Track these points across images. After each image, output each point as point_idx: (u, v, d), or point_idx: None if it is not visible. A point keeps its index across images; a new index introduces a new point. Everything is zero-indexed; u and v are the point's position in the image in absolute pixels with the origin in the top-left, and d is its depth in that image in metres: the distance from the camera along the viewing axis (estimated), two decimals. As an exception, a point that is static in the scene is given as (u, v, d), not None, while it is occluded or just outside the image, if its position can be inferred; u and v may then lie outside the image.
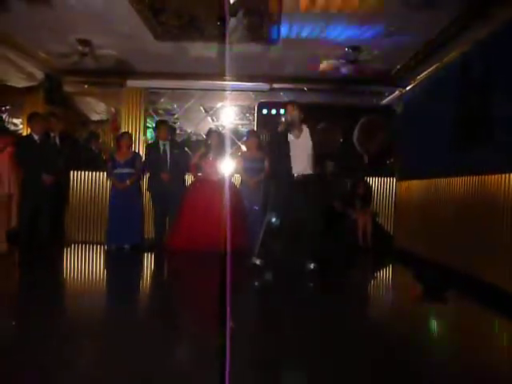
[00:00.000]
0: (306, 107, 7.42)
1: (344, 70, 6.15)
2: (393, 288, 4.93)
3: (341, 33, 5.07)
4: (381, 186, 7.05)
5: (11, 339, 2.65)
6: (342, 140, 7.80)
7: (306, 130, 4.74)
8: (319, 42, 5.31)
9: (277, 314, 3.35)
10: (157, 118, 8.66)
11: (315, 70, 6.32)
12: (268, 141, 6.23)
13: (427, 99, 5.84)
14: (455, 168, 4.79)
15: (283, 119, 4.62)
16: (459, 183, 4.73)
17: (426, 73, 5.83)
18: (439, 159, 5.26)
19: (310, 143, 4.71)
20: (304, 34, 5.12)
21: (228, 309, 2.91)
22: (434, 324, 3.49)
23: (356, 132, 7.28)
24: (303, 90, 7.04)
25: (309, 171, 4.71)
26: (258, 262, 4.63)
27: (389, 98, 7.06)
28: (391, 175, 7.04)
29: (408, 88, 6.53)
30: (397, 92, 6.82)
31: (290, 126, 4.60)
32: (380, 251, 6.31)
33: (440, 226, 5.11)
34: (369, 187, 6.83)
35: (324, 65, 6.15)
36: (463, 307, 3.89)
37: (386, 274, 5.72)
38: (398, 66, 6.17)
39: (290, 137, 4.67)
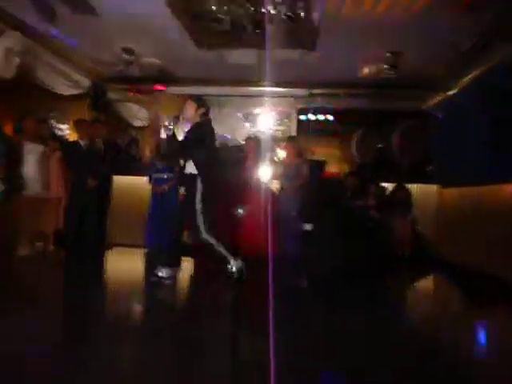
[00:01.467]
0: (345, 113, 7.44)
1: (384, 74, 6.06)
2: (434, 298, 4.78)
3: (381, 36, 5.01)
4: (421, 193, 6.87)
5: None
6: (380, 146, 7.70)
7: None
8: (359, 46, 5.27)
9: (315, 322, 3.32)
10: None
11: (355, 75, 6.26)
12: None
13: (471, 103, 5.67)
14: (500, 174, 4.62)
15: None
16: (504, 190, 4.56)
17: (469, 77, 5.66)
18: (483, 165, 5.08)
19: None
20: (344, 37, 5.09)
21: (270, 314, 2.92)
22: (481, 336, 3.37)
23: (395, 137, 7.17)
24: (342, 95, 6.99)
25: None
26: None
27: (430, 102, 6.89)
28: (432, 182, 6.84)
29: (450, 92, 6.36)
30: (438, 96, 6.65)
31: None
32: (420, 260, 6.13)
33: (484, 235, 4.93)
34: (408, 194, 6.65)
35: (364, 69, 6.08)
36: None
37: (426, 283, 5.55)
38: (440, 70, 6.02)
39: None
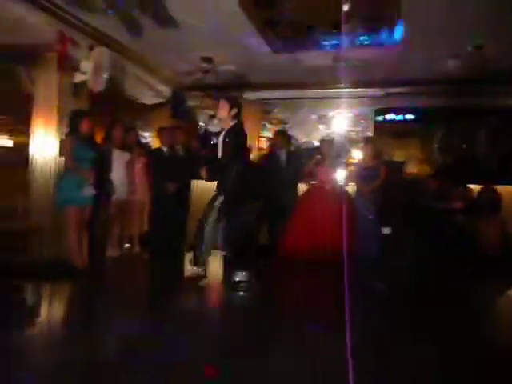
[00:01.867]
0: (425, 112, 7.11)
1: (465, 70, 5.71)
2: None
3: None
4: (510, 194, 6.36)
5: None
6: (464, 146, 7.26)
7: None
8: (439, 41, 5.02)
9: (399, 326, 3.20)
10: (269, 127, 8.90)
11: (434, 72, 5.97)
12: None
13: None
14: None
15: None
16: None
17: None
18: None
19: None
20: (422, 33, 4.87)
21: (348, 318, 2.87)
22: None
23: (481, 136, 6.72)
24: (421, 93, 6.70)
25: None
26: None
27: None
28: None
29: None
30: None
31: None
32: (510, 263, 5.68)
33: None
34: (497, 196, 6.19)
35: (445, 66, 5.78)
36: None
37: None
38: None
39: None
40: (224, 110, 4.23)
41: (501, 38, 4.83)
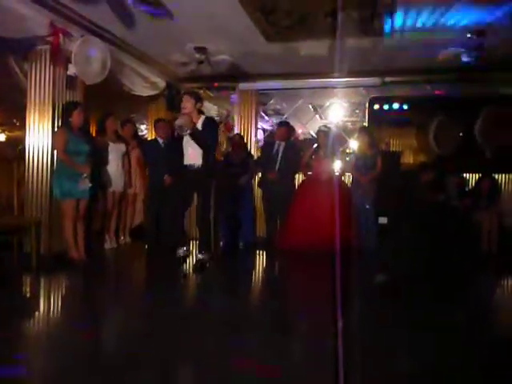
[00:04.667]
0: (421, 101, 7.08)
1: (466, 58, 5.65)
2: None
3: (463, 17, 4.69)
4: (509, 183, 6.39)
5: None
6: (461, 134, 7.25)
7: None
8: (438, 29, 4.98)
9: (393, 318, 3.21)
10: (266, 119, 8.88)
11: (432, 61, 5.92)
12: None
13: None
14: None
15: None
16: None
17: None
18: None
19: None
20: (420, 22, 4.84)
21: (339, 309, 2.88)
22: None
23: (479, 124, 6.71)
24: (418, 82, 6.66)
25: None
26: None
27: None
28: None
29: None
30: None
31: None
32: (507, 256, 5.70)
33: None
34: (495, 185, 6.19)
35: (443, 54, 5.73)
36: None
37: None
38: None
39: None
40: (190, 104, 4.37)
41: (501, 24, 4.78)
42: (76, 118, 4.39)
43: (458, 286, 4.27)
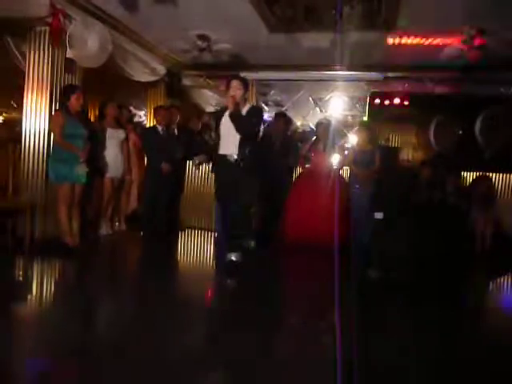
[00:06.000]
0: (422, 98, 7.05)
1: (467, 57, 5.63)
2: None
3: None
4: (506, 183, 6.38)
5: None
6: (460, 133, 7.23)
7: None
8: (439, 26, 4.95)
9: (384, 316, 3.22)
10: (266, 110, 8.83)
11: (434, 58, 5.89)
12: None
13: None
14: None
15: None
16: None
17: None
18: None
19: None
20: (423, 17, 4.80)
21: (336, 301, 2.88)
22: None
23: (479, 124, 6.69)
24: (420, 79, 6.63)
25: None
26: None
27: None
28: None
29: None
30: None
31: None
32: (501, 256, 5.72)
33: None
34: (491, 184, 6.19)
35: (444, 52, 5.70)
36: None
37: (503, 282, 5.17)
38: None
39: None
40: (240, 92, 4.09)
41: (502, 24, 4.76)
42: (74, 101, 4.33)
43: (450, 284, 4.29)
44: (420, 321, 3.04)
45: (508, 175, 6.33)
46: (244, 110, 4.08)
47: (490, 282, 4.99)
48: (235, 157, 4.00)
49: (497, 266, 5.53)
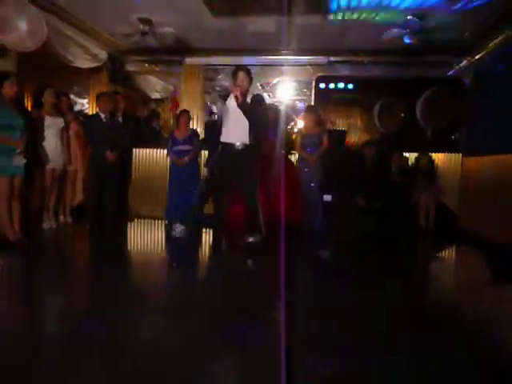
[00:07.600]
0: (366, 81, 7.22)
1: (408, 40, 5.79)
2: (458, 271, 4.70)
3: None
4: (445, 162, 6.69)
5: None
6: (403, 115, 7.50)
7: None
8: (381, 10, 5.06)
9: (335, 296, 3.31)
10: (213, 95, 8.75)
11: (376, 42, 6.02)
12: None
13: (499, 68, 5.42)
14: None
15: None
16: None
17: (498, 40, 5.39)
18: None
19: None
20: (365, 2, 4.89)
21: (282, 282, 2.93)
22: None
23: (420, 105, 6.94)
24: (363, 62, 6.77)
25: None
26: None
27: (457, 68, 6.60)
28: (457, 151, 6.65)
29: (478, 57, 6.08)
30: (465, 62, 6.37)
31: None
32: (443, 232, 6.04)
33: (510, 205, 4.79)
34: (432, 163, 6.48)
35: (386, 35, 5.84)
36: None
37: (450, 256, 5.47)
38: (467, 34, 5.73)
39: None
40: (246, 82, 4.23)
41: (440, 8, 4.92)
42: (8, 89, 4.10)
43: (396, 260, 4.48)
44: (366, 297, 3.15)
45: (447, 154, 6.65)
46: (248, 99, 4.26)
47: (435, 255, 5.26)
48: (246, 143, 4.22)
49: (440, 239, 5.84)
